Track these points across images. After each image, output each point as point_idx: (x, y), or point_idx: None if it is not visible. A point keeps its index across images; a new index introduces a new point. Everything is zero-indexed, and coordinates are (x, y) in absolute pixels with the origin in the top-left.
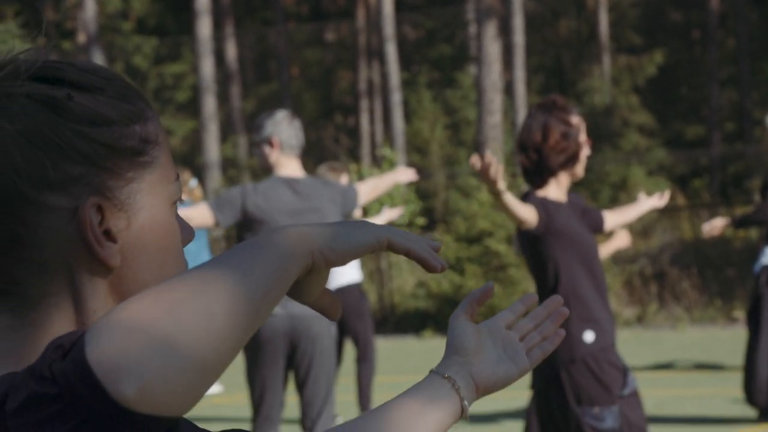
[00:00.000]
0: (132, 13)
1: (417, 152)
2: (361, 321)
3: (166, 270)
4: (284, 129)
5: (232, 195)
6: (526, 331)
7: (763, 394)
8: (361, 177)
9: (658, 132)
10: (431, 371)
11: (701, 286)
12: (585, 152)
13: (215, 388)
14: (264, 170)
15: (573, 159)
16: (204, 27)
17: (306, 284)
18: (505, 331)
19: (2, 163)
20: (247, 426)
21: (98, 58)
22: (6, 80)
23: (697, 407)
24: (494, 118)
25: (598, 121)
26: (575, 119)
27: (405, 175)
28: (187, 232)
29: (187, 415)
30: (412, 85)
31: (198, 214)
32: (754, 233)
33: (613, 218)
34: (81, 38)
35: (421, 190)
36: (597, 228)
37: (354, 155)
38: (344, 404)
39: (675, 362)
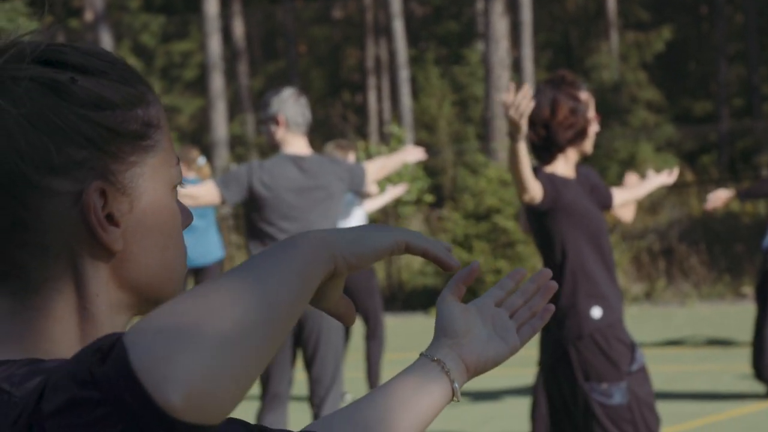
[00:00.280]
0: None
1: (425, 129)
2: (371, 298)
3: (167, 254)
4: (290, 107)
5: (238, 172)
6: (515, 308)
7: None
8: (368, 154)
9: (666, 108)
10: (421, 354)
11: (710, 262)
12: (594, 128)
13: None
14: (272, 148)
15: (581, 135)
16: (211, 5)
17: (326, 289)
18: (494, 308)
19: (6, 147)
20: (255, 404)
21: (105, 37)
22: (10, 63)
23: (705, 383)
24: (502, 94)
25: (606, 97)
26: (584, 95)
27: (413, 154)
28: (185, 216)
29: None
30: (419, 62)
31: (205, 191)
32: (762, 208)
33: (622, 195)
34: (88, 16)
35: (429, 167)
36: (605, 204)
37: (362, 133)
38: (354, 381)
39: (683, 338)
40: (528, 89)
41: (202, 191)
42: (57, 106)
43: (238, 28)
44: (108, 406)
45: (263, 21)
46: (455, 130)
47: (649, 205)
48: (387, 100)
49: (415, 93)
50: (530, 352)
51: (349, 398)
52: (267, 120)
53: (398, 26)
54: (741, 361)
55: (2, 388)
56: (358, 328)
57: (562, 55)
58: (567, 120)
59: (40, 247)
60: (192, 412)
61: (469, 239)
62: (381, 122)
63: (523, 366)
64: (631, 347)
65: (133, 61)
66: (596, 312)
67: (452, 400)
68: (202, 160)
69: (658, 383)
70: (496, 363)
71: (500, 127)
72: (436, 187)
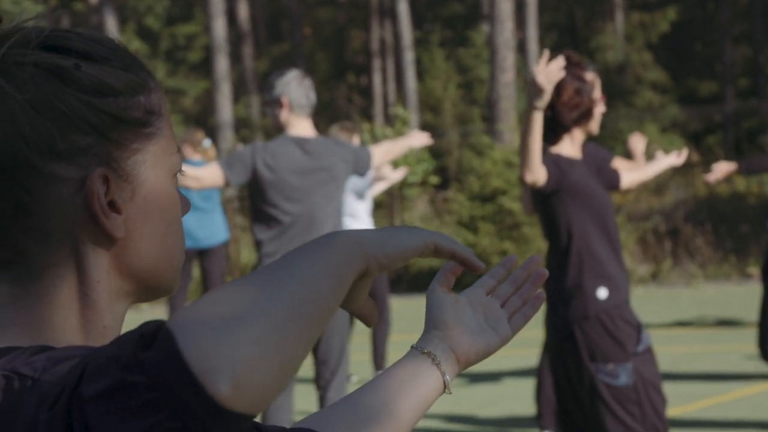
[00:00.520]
0: None
1: (430, 111)
2: (377, 280)
3: (167, 242)
4: (294, 89)
5: (242, 153)
6: (506, 296)
7: None
8: (374, 136)
9: (672, 89)
10: (412, 347)
11: (715, 243)
12: (599, 109)
13: None
14: (276, 130)
15: (586, 115)
16: None
17: (354, 289)
18: (485, 298)
19: (10, 132)
20: None
21: (110, 19)
22: (15, 48)
23: (711, 364)
24: (507, 76)
25: (611, 78)
26: (589, 75)
27: (419, 139)
28: (184, 204)
29: None
30: (424, 43)
31: (208, 173)
32: None
33: (630, 176)
34: None
35: (434, 149)
36: (613, 185)
37: (367, 115)
38: (360, 364)
39: (689, 319)
40: (561, 60)
41: (205, 173)
42: (61, 92)
43: (243, 10)
44: (154, 391)
45: (268, 3)
46: (460, 111)
47: (654, 186)
48: (392, 82)
49: (420, 75)
50: (535, 333)
51: (354, 380)
52: (271, 102)
53: (403, 8)
54: (747, 341)
55: (23, 374)
56: None
57: (567, 36)
58: (572, 100)
59: (42, 232)
60: (238, 401)
61: (474, 221)
62: (386, 104)
63: (529, 347)
64: (638, 328)
65: (137, 43)
66: (602, 293)
67: (443, 392)
68: (207, 143)
69: (664, 364)
70: (487, 354)
71: (505, 108)
72: (442, 168)
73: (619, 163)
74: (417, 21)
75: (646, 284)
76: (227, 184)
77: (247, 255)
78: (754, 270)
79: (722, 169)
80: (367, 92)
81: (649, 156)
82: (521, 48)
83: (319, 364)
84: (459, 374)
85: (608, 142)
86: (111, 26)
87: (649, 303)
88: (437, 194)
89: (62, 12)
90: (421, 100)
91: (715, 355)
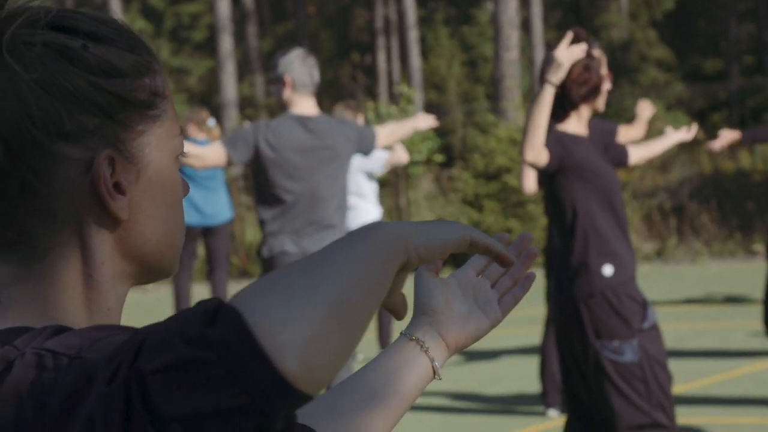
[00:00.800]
0: None
1: (434, 89)
2: None
3: (169, 224)
4: (296, 67)
5: (244, 132)
6: (497, 276)
7: None
8: (378, 115)
9: (676, 66)
10: (401, 333)
11: (720, 220)
12: (606, 86)
13: None
14: (280, 109)
15: (595, 91)
16: None
17: (393, 282)
18: (475, 279)
19: (18, 111)
20: None
21: None
22: (23, 28)
23: (717, 341)
24: (511, 54)
25: (615, 56)
26: (597, 52)
27: (425, 121)
28: (184, 188)
29: None
30: (428, 22)
31: (211, 152)
32: None
33: (638, 152)
34: None
35: (438, 128)
36: (620, 162)
37: (371, 93)
38: (365, 342)
39: (694, 296)
40: (585, 47)
41: (208, 152)
42: (69, 73)
43: None
44: (222, 367)
45: None
46: (465, 90)
47: (659, 164)
48: (396, 61)
49: (425, 53)
50: (537, 311)
51: (360, 358)
52: (274, 81)
53: None
54: (752, 318)
55: (57, 351)
56: None
57: (572, 14)
58: (581, 76)
59: (47, 213)
60: (304, 380)
61: (479, 199)
62: (390, 83)
63: (532, 325)
64: (643, 305)
65: (141, 23)
66: (608, 270)
67: (433, 378)
68: (211, 122)
69: (670, 341)
70: (477, 337)
71: (510, 86)
72: (446, 146)
73: (622, 131)
74: None
75: (652, 261)
76: (230, 163)
77: (252, 234)
78: (759, 247)
79: (726, 136)
80: (371, 71)
81: (656, 133)
82: (525, 26)
83: None
84: (449, 359)
85: (613, 120)
86: (115, 5)
87: (654, 280)
88: (442, 172)
89: None
90: (426, 78)
91: (721, 332)
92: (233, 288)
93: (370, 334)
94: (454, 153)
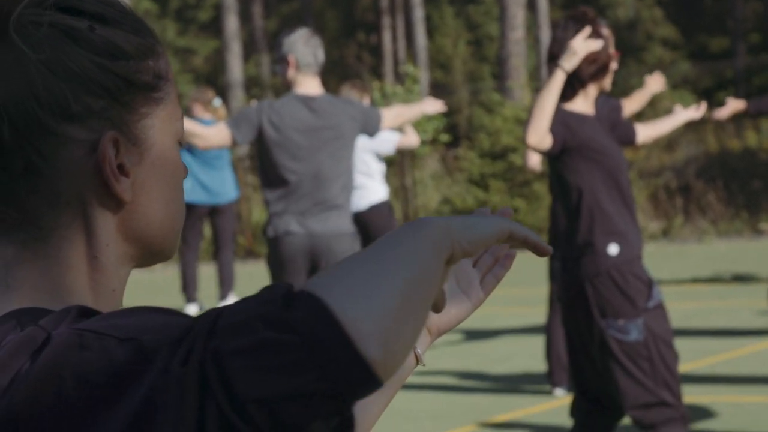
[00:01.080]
0: None
1: (440, 68)
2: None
3: (170, 207)
4: (300, 47)
5: (248, 112)
6: (478, 255)
7: None
8: (384, 94)
9: (682, 45)
10: None
11: (727, 199)
12: (614, 65)
13: None
14: (287, 88)
15: (603, 70)
16: None
17: None
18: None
19: (24, 92)
20: None
21: None
22: (30, 8)
23: (723, 319)
24: (517, 33)
25: (621, 35)
26: (605, 30)
27: (432, 106)
28: (184, 171)
29: None
30: (434, 1)
31: (216, 132)
32: None
33: (645, 131)
34: None
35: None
36: (627, 141)
37: (377, 73)
38: None
39: (701, 275)
40: (600, 42)
41: (212, 132)
42: (75, 54)
43: None
44: (305, 351)
45: None
46: (470, 69)
47: (666, 143)
48: (402, 40)
49: (430, 32)
50: (542, 290)
51: None
52: (279, 60)
53: None
54: (759, 296)
55: (106, 334)
56: None
57: None
58: (590, 55)
59: (51, 194)
60: (383, 367)
61: (485, 178)
62: (396, 62)
63: (537, 305)
64: (649, 284)
65: (147, 3)
66: (613, 249)
67: (417, 365)
68: (217, 102)
69: (676, 320)
70: (459, 320)
71: (515, 65)
72: (452, 126)
73: (626, 104)
74: None
75: (658, 240)
76: (234, 143)
77: (258, 213)
78: (766, 226)
79: (731, 105)
80: (376, 50)
81: (662, 112)
82: (531, 5)
83: None
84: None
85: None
86: None
87: (660, 259)
88: (448, 152)
89: None
90: (431, 57)
91: (727, 311)
92: (239, 268)
93: None
94: (459, 132)
